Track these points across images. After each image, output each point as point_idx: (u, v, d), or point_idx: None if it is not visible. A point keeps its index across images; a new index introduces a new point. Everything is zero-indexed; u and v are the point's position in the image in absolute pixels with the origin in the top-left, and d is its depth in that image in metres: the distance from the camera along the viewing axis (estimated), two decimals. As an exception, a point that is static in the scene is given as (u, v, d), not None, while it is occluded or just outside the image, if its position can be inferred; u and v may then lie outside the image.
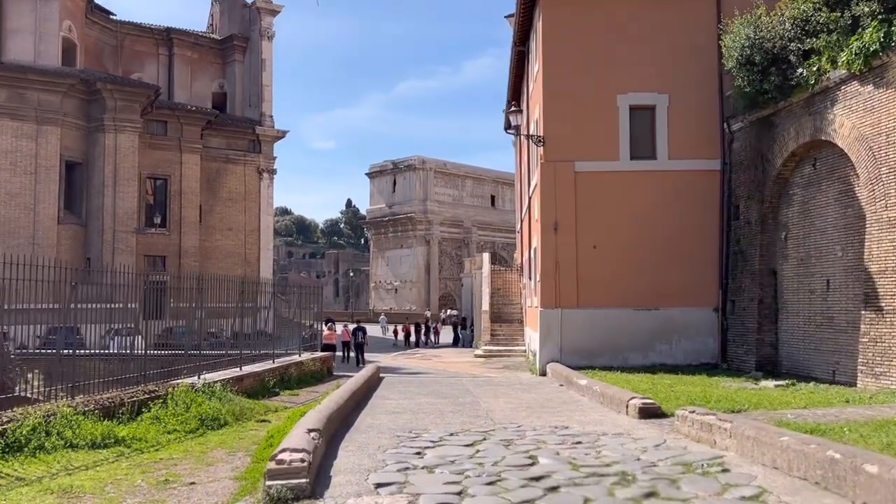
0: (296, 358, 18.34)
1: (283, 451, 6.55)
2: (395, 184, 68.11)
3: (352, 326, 27.20)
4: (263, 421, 11.51)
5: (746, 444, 6.90)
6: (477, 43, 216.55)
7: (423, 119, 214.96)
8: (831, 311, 15.10)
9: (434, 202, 66.34)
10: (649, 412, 10.29)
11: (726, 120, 18.71)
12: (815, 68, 14.80)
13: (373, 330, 36.77)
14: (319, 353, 20.05)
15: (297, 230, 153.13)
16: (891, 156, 12.94)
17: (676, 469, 6.80)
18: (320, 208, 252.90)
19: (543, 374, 18.61)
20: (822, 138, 15.00)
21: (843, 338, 14.66)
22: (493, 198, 71.89)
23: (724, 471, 6.53)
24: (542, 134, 19.24)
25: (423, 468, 7.26)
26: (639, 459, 7.40)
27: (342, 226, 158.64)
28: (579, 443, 8.62)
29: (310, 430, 7.63)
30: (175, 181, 41.66)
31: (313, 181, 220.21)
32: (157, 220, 39.77)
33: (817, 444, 5.91)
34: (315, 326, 21.34)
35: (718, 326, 18.65)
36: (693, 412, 8.39)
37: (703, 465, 6.81)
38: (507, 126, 35.38)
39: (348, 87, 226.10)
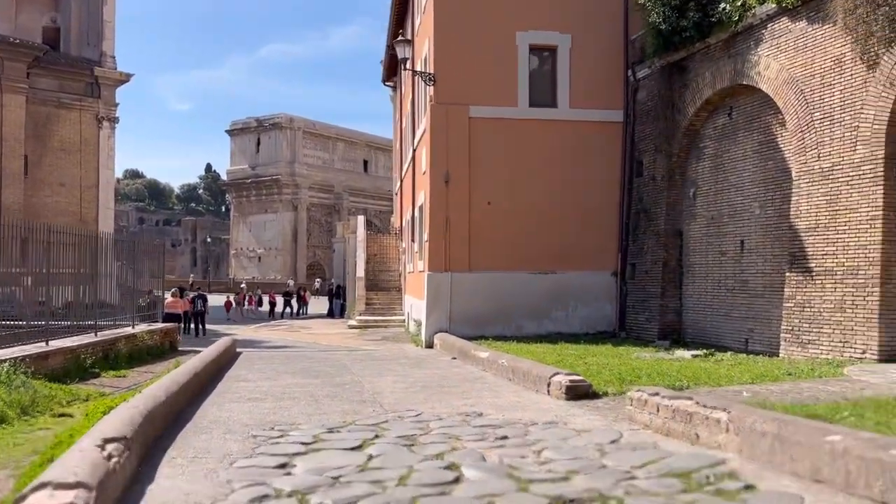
0: (127, 330, 14.90)
1: (42, 486, 3.73)
2: (259, 143, 63.04)
3: (192, 295, 23.65)
4: (64, 415, 8.36)
5: (760, 445, 4.87)
6: (346, 10, 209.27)
7: (290, 85, 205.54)
8: (745, 273, 13.87)
9: (302, 165, 62.11)
10: (579, 392, 8.23)
11: (631, 66, 17.09)
12: (739, 3, 13.30)
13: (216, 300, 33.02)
14: (160, 325, 16.63)
15: (149, 195, 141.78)
16: (826, 100, 11.63)
17: (671, 485, 4.65)
18: (177, 173, 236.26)
19: (430, 345, 16.36)
20: (744, 83, 13.60)
21: (758, 303, 13.46)
22: (365, 163, 68.63)
23: (748, 487, 4.44)
24: (432, 72, 16.73)
25: (290, 495, 4.67)
26: (604, 467, 5.21)
27: (201, 191, 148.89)
28: (505, 437, 6.35)
29: (107, 441, 4.79)
30: (-7, 126, 35.23)
31: (170, 145, 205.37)
32: (-33, 170, 33.43)
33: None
34: (156, 293, 17.79)
35: (617, 292, 17.19)
36: (657, 394, 6.34)
37: (707, 476, 4.71)
38: (385, 79, 32.82)
39: (207, 47, 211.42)
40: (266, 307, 35.05)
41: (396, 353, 15.70)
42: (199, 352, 16.18)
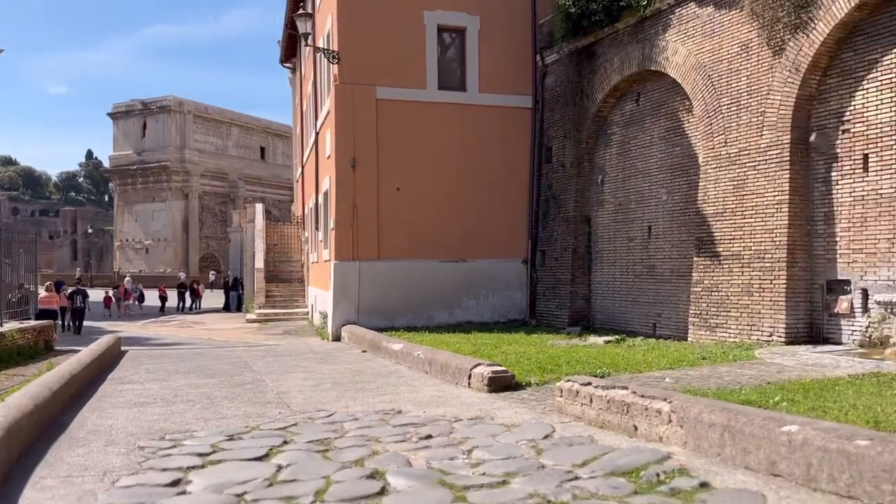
0: (-6, 330, 13.23)
1: None
2: (145, 127, 59.20)
3: (70, 290, 21.71)
4: None
5: (708, 437, 4.55)
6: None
7: (180, 68, 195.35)
8: (652, 259, 13.96)
9: (194, 150, 58.91)
10: (502, 383, 7.80)
11: (539, 51, 16.89)
12: (648, -12, 13.27)
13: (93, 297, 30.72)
14: (33, 323, 14.95)
15: (24, 183, 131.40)
16: (733, 85, 11.76)
17: (619, 485, 4.24)
18: (55, 161, 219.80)
19: (338, 338, 15.59)
20: (652, 68, 13.62)
21: (666, 288, 13.58)
22: (262, 150, 66.02)
23: (703, 486, 4.09)
24: (335, 49, 15.86)
25: (186, 523, 3.93)
26: (543, 467, 4.76)
27: (81, 180, 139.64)
28: (430, 437, 5.82)
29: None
30: None
31: (46, 130, 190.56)
32: None
33: (862, 440, 3.67)
34: (29, 287, 16.00)
35: (527, 279, 17.02)
36: (588, 384, 5.97)
37: (657, 475, 4.33)
38: (283, 60, 31.39)
39: (84, 26, 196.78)
40: (150, 303, 32.87)
41: (301, 347, 14.83)
42: (78, 351, 14.72)
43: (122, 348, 14.37)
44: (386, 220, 16.13)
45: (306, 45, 15.97)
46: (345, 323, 15.74)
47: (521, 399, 7.33)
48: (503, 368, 7.99)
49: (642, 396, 5.25)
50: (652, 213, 14.00)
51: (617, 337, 12.56)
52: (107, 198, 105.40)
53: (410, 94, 16.27)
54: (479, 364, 8.18)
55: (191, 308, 32.49)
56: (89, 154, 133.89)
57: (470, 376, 8.13)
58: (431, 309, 16.32)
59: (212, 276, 50.41)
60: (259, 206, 30.40)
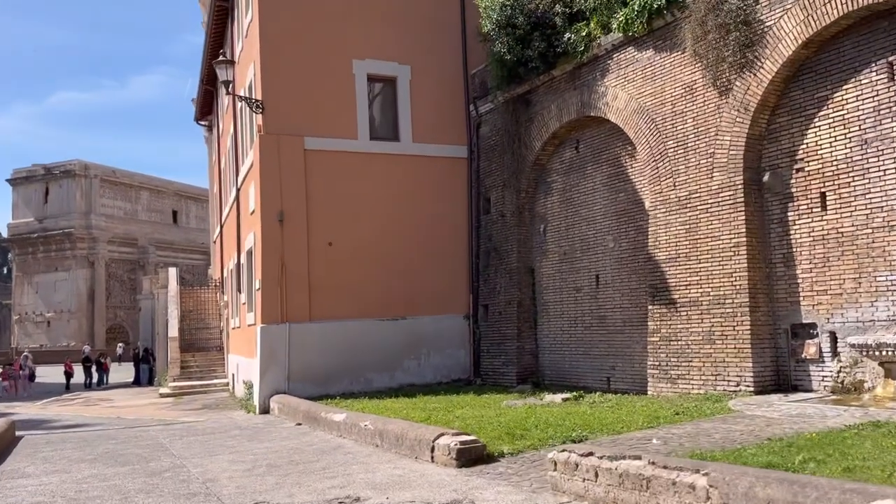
0: None
1: None
2: (47, 193, 55.51)
3: None
4: None
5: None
6: (146, 59, 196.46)
7: (87, 136, 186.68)
8: (603, 309, 13.38)
9: (101, 216, 55.53)
10: (473, 456, 6.81)
11: (473, 101, 16.48)
12: (583, 33, 13.08)
13: None
14: None
15: None
16: (678, 127, 11.51)
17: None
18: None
19: (266, 410, 14.12)
20: (591, 114, 13.33)
21: (618, 339, 12.97)
22: (175, 213, 63.16)
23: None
24: (259, 98, 14.90)
25: None
26: (564, 566, 3.78)
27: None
28: (404, 532, 4.75)
29: None
30: None
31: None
32: None
33: None
34: None
35: (470, 336, 16.13)
36: (590, 454, 5.08)
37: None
38: (199, 117, 30.07)
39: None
40: (53, 379, 29.87)
41: (225, 423, 13.29)
42: (-40, 442, 12.69)
43: (17, 433, 12.47)
44: (318, 277, 14.99)
45: (227, 93, 14.97)
46: (273, 393, 14.31)
47: (500, 474, 6.34)
48: (472, 438, 7.00)
49: (665, 468, 4.39)
50: (599, 262, 13.50)
51: (574, 394, 11.75)
52: (5, 270, 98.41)
53: (341, 145, 15.43)
54: (442, 433, 7.16)
55: (98, 384, 29.72)
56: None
57: (433, 449, 7.09)
58: (370, 372, 15.13)
59: (119, 348, 47.01)
60: (173, 270, 28.43)
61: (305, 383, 14.50)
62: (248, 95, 15.43)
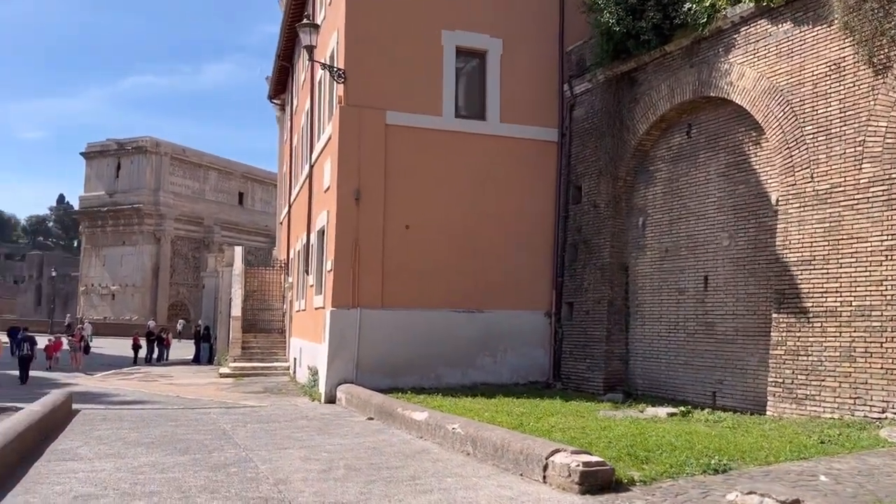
0: (-90, 383, 10.66)
1: None
2: (119, 168, 56.56)
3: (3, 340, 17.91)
4: None
5: None
6: (219, 46, 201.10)
7: (159, 119, 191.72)
8: (710, 315, 11.93)
9: (169, 193, 56.27)
10: (598, 481, 5.60)
11: (568, 80, 15.17)
12: (707, 3, 11.62)
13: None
14: (-37, 375, 12.37)
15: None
16: (820, 111, 9.98)
17: None
18: (26, 204, 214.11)
19: (332, 400, 13.19)
20: (710, 94, 11.87)
21: (728, 350, 11.51)
22: (241, 195, 63.60)
23: None
24: (342, 67, 13.95)
25: None
26: None
27: (51, 224, 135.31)
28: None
29: None
30: None
31: (18, 175, 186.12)
32: None
33: None
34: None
35: (551, 335, 14.87)
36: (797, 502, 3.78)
37: None
38: (272, 95, 29.55)
39: (63, 75, 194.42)
40: (117, 352, 29.86)
41: (290, 411, 12.40)
42: (18, 409, 12.13)
43: (75, 406, 11.84)
44: (392, 262, 13.98)
45: (309, 59, 14.07)
46: (340, 381, 13.37)
47: (638, 507, 5.12)
48: (597, 459, 5.78)
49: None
50: (709, 261, 12.04)
51: (681, 409, 10.37)
52: (76, 243, 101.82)
53: (424, 121, 14.36)
54: (558, 450, 5.96)
55: (158, 359, 29.60)
56: (61, 198, 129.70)
57: (546, 467, 5.90)
58: (441, 367, 14.04)
59: (180, 324, 47.38)
60: (238, 249, 28.00)
61: (374, 374, 13.52)
62: (329, 64, 14.48)
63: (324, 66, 14.37)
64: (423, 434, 8.54)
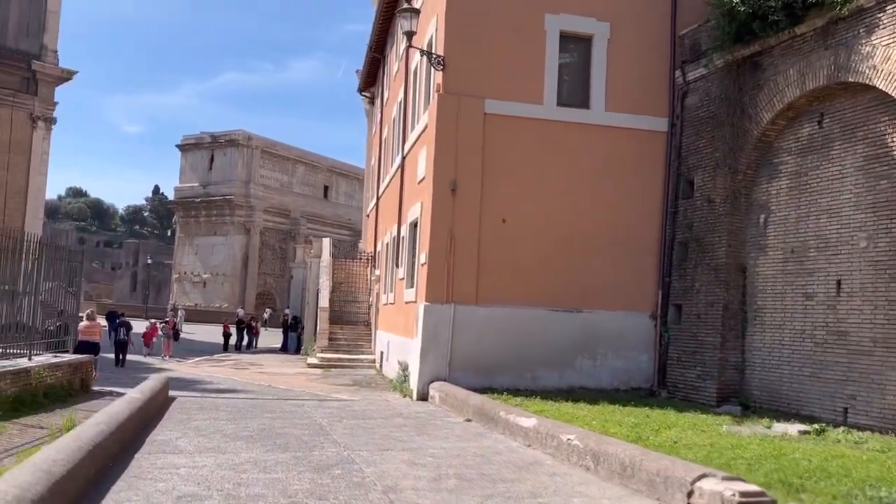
0: (20, 364, 10.87)
1: None
2: (212, 160, 58.48)
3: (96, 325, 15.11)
4: None
5: None
6: (304, 43, 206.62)
7: (247, 114, 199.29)
8: (844, 323, 10.77)
9: (259, 185, 57.77)
10: (756, 514, 4.81)
11: (681, 66, 14.16)
12: (850, -21, 10.45)
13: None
14: (69, 357, 12.58)
15: (92, 215, 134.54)
16: None
17: None
18: (123, 194, 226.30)
19: (424, 398, 12.75)
20: (849, 80, 10.69)
21: (864, 363, 10.34)
22: (326, 189, 64.66)
23: None
24: (442, 54, 13.46)
25: None
26: None
27: (146, 214, 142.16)
28: None
29: None
30: None
31: (116, 166, 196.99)
32: None
33: None
34: (66, 311, 13.63)
35: (656, 339, 13.94)
36: None
37: None
38: (362, 88, 29.51)
39: (160, 72, 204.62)
40: (204, 338, 30.57)
41: (382, 406, 12.04)
42: (117, 394, 12.28)
43: (170, 393, 11.86)
44: (487, 256, 13.41)
45: (408, 45, 13.67)
46: (433, 379, 12.92)
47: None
48: (755, 488, 5.00)
49: None
50: (843, 264, 10.88)
51: (815, 427, 9.36)
52: (169, 232, 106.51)
53: (524, 110, 13.71)
54: (705, 474, 5.22)
55: (247, 347, 30.16)
56: (156, 189, 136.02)
57: (690, 493, 5.17)
58: (537, 368, 13.38)
59: (266, 313, 48.42)
60: (326, 240, 28.15)
61: (466, 372, 13.00)
62: (427, 50, 14.01)
63: (423, 52, 13.92)
64: (532, 443, 7.93)
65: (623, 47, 14.20)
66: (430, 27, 14.53)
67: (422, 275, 13.83)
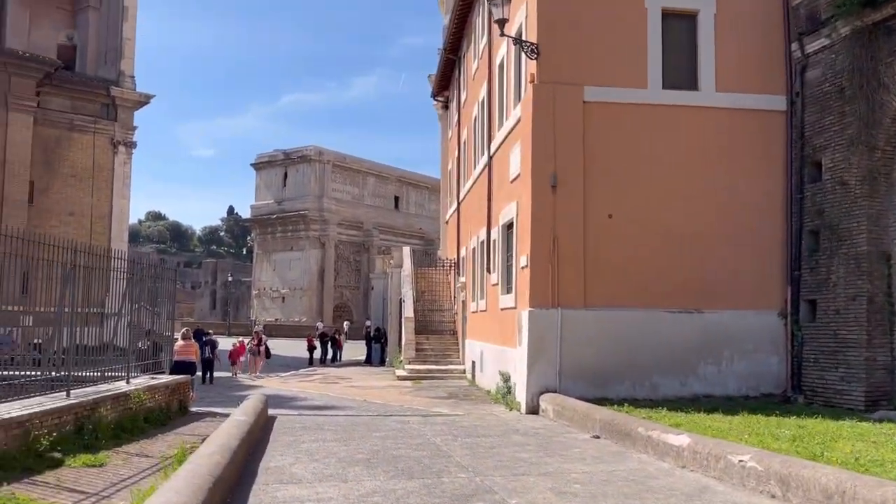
0: (119, 387, 10.53)
1: None
2: (286, 177, 59.26)
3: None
4: None
5: None
6: (364, 61, 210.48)
7: (312, 133, 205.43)
8: None
9: (331, 199, 58.13)
10: None
11: (798, 38, 12.85)
12: None
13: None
14: (166, 378, 12.25)
15: (171, 237, 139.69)
16: None
17: None
18: (199, 216, 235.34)
19: (535, 411, 11.83)
20: None
21: None
22: (396, 199, 64.62)
23: None
24: (535, 41, 12.59)
25: None
26: None
27: (222, 234, 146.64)
28: None
29: None
30: (-4, 148, 31.73)
31: (192, 189, 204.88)
32: (-36, 195, 29.91)
33: None
34: (161, 331, 13.34)
35: (787, 339, 12.61)
36: None
37: None
38: (436, 92, 28.92)
39: (230, 97, 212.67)
40: (282, 352, 30.43)
41: (492, 422, 11.19)
42: (216, 415, 11.88)
43: (269, 412, 11.34)
44: (594, 256, 12.42)
45: (501, 34, 12.83)
46: (542, 390, 11.98)
47: None
48: None
49: None
50: None
51: None
52: (245, 250, 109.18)
53: (627, 95, 12.69)
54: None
55: (332, 360, 29.90)
56: (230, 210, 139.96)
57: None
58: (655, 375, 12.27)
59: (346, 325, 48.45)
60: (406, 250, 27.57)
61: (577, 382, 12.02)
62: (519, 38, 13.16)
63: (515, 40, 13.07)
64: (686, 463, 6.91)
65: (731, 21, 13.01)
66: (520, 15, 13.69)
67: (522, 279, 12.94)
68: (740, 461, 6.09)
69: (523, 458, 7.67)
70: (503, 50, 15.60)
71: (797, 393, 12.22)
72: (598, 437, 9.05)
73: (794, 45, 12.91)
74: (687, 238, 12.65)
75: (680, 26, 13.09)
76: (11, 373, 8.76)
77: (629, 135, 12.69)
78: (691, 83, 12.98)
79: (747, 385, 12.47)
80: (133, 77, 37.98)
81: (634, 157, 12.69)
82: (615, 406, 10.73)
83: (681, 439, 7.16)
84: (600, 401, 11.19)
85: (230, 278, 69.86)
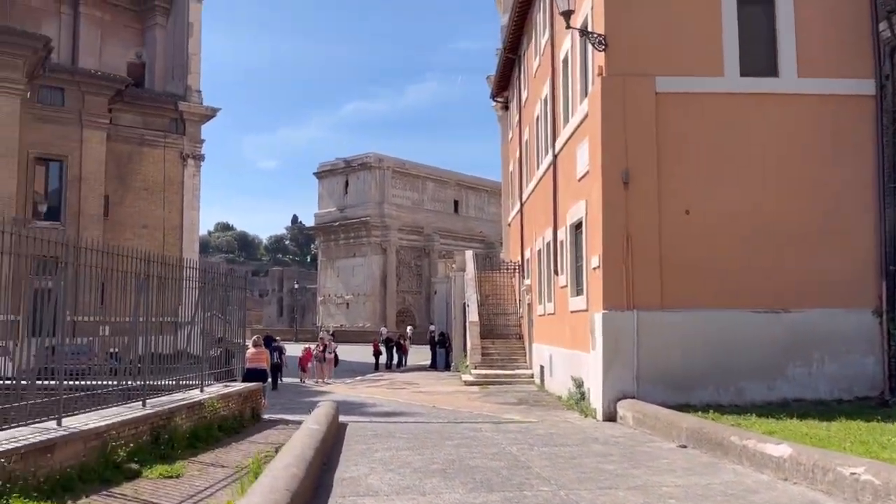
0: (193, 396, 10.59)
1: None
2: (347, 185, 60.00)
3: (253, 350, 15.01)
4: None
5: None
6: (417, 68, 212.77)
7: (372, 141, 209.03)
8: None
9: (392, 205, 58.53)
10: None
11: (887, 16, 12.00)
12: None
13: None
14: (238, 386, 12.29)
15: (239, 246, 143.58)
16: None
17: None
18: (264, 227, 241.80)
19: (612, 418, 11.34)
20: None
21: None
22: (455, 203, 64.55)
23: None
24: (602, 32, 12.15)
25: None
26: None
27: (287, 242, 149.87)
28: None
29: None
30: (73, 164, 32.94)
31: (258, 200, 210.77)
32: (44, 210, 31.22)
33: None
34: (232, 339, 13.41)
35: (883, 338, 11.76)
36: None
37: None
38: (495, 93, 28.59)
39: (292, 108, 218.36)
40: (348, 358, 30.56)
41: (568, 430, 10.77)
42: (287, 422, 11.85)
43: (339, 419, 11.22)
44: (670, 254, 11.85)
45: (567, 26, 12.44)
46: (619, 396, 11.49)
47: None
48: None
49: None
50: None
51: None
52: (309, 258, 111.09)
53: (702, 84, 12.10)
54: None
55: (397, 365, 29.89)
56: (294, 219, 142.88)
57: None
58: (740, 379, 11.61)
59: (409, 330, 48.56)
60: (469, 253, 27.35)
61: (656, 387, 11.47)
62: (585, 29, 12.73)
63: (582, 32, 12.64)
64: (788, 476, 6.38)
65: (812, 2, 12.25)
66: (585, 6, 13.24)
67: (594, 280, 12.48)
68: (852, 474, 5.55)
69: (608, 470, 7.26)
70: (567, 44, 15.17)
71: (895, 395, 11.38)
72: (685, 447, 8.54)
73: (883, 25, 12.07)
74: (770, 233, 11.95)
75: (756, 9, 12.39)
76: (89, 382, 8.87)
77: (705, 126, 12.09)
78: (771, 69, 12.27)
79: (839, 387, 11.66)
80: (199, 91, 39.04)
81: (711, 149, 12.08)
82: (700, 412, 10.18)
83: (781, 449, 6.62)
84: (682, 407, 10.64)
85: (296, 286, 71.13)
